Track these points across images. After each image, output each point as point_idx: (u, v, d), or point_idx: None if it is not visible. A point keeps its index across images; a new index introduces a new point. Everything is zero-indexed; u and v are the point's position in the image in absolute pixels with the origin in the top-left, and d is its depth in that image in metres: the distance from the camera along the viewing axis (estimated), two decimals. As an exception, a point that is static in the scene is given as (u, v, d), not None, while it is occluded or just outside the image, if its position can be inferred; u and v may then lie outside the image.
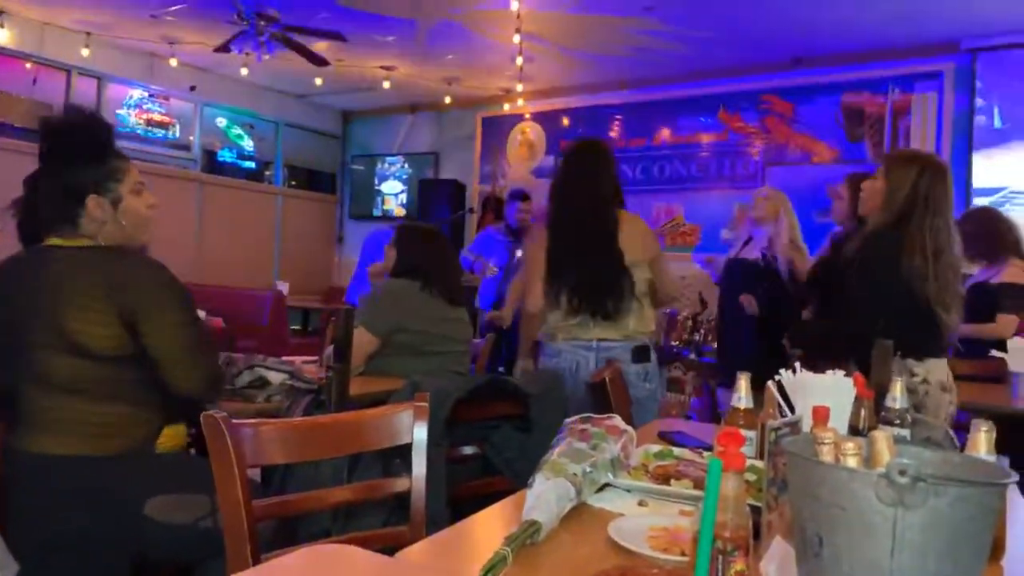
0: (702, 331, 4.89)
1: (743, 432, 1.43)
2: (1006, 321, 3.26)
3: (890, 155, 2.45)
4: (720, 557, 0.78)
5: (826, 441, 0.84)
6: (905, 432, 1.48)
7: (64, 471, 1.56)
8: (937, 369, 2.26)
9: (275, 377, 2.15)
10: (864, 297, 2.23)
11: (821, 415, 1.12)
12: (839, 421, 1.38)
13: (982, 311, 3.19)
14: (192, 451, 1.82)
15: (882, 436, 0.84)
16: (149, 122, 7.12)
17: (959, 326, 3.29)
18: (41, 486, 1.57)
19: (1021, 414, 2.56)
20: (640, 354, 2.45)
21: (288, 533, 1.54)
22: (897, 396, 1.47)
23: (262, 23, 4.92)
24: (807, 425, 1.18)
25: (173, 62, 6.57)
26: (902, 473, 0.68)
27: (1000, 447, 2.93)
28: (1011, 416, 2.70)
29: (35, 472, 1.57)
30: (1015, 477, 0.76)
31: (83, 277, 1.59)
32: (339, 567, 0.86)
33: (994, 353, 3.12)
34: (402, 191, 8.29)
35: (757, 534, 0.98)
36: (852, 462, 0.79)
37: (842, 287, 2.31)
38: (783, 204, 3.56)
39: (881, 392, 1.54)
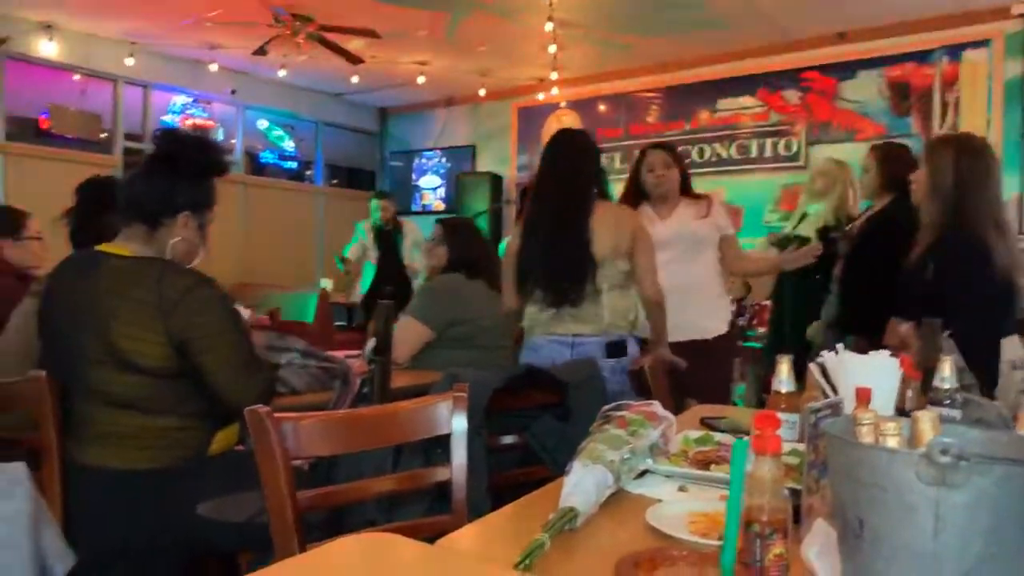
0: (747, 315, 4.82)
1: (785, 416, 1.42)
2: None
3: (928, 142, 2.41)
4: (758, 540, 0.77)
5: (866, 422, 0.82)
6: (955, 413, 1.44)
7: (116, 483, 1.59)
8: (1008, 347, 2.20)
9: (282, 357, 2.11)
10: (958, 292, 2.17)
11: (863, 396, 1.10)
12: (885, 403, 1.35)
13: None
14: (242, 447, 1.86)
15: (925, 416, 0.82)
16: (194, 127, 7.29)
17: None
18: (92, 498, 1.59)
19: (1083, 391, 2.46)
20: (615, 349, 2.38)
21: (335, 523, 1.58)
22: (946, 376, 1.43)
23: (297, 24, 4.99)
24: (849, 407, 1.16)
25: (214, 67, 6.70)
26: (944, 452, 0.67)
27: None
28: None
29: (86, 484, 1.59)
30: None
31: (132, 293, 1.59)
32: (381, 555, 0.88)
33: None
34: (440, 185, 8.34)
35: (799, 517, 0.97)
36: (892, 442, 0.77)
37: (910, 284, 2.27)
38: (840, 178, 3.43)
39: (930, 372, 1.50)
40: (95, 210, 2.09)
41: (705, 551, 0.61)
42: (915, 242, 2.29)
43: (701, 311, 2.81)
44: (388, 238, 5.99)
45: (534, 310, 2.43)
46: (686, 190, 2.99)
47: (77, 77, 6.40)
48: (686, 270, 2.77)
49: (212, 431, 1.71)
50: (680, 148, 6.47)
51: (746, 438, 1.41)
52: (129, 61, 6.32)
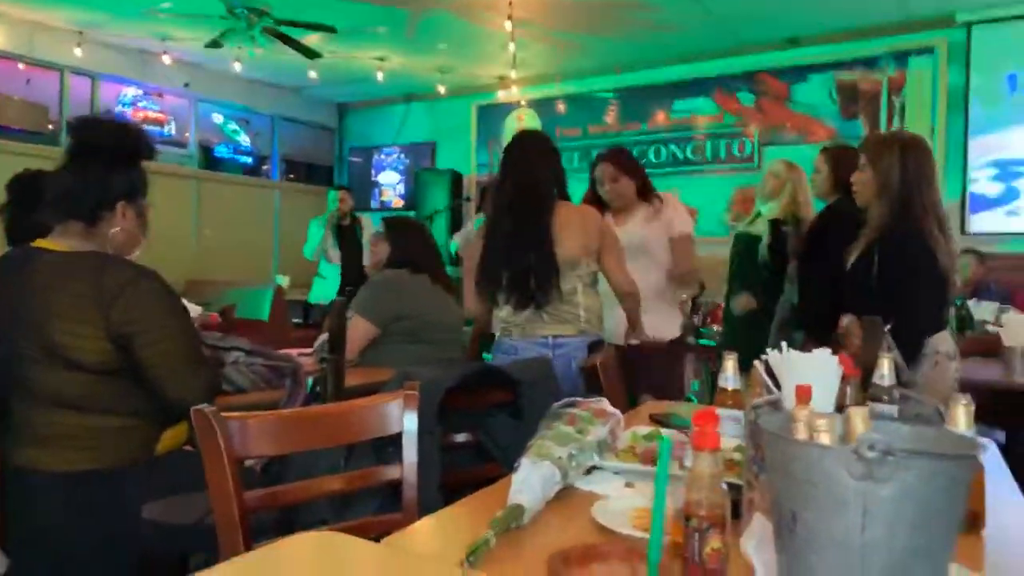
0: (701, 314, 4.90)
1: (731, 412, 1.45)
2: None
3: (868, 143, 2.46)
4: (697, 535, 0.79)
5: (801, 419, 0.85)
6: (893, 409, 1.48)
7: (58, 486, 1.54)
8: (945, 339, 2.29)
9: (228, 356, 2.07)
10: (904, 288, 2.25)
11: (803, 394, 1.12)
12: (826, 400, 1.39)
13: None
14: (191, 448, 1.82)
15: (857, 412, 0.85)
16: (144, 120, 7.10)
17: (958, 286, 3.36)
18: (35, 502, 1.54)
19: (1017, 388, 2.57)
20: (595, 349, 2.40)
21: (287, 523, 1.56)
22: (885, 374, 1.48)
23: (252, 17, 4.91)
24: (791, 404, 1.19)
25: (166, 59, 6.55)
26: (871, 448, 0.69)
27: (997, 421, 2.96)
28: (1007, 391, 2.71)
29: (24, 488, 1.54)
30: (985, 450, 0.77)
31: (70, 287, 1.54)
32: (326, 554, 0.87)
33: (989, 328, 3.13)
34: (400, 181, 8.29)
35: (740, 512, 0.99)
36: (824, 439, 0.80)
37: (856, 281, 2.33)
38: (789, 178, 3.51)
39: (870, 370, 1.55)
40: (27, 207, 2.02)
41: (632, 545, 0.62)
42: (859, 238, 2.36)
43: (653, 317, 2.84)
44: (349, 234, 5.72)
45: (506, 312, 2.42)
46: (646, 193, 3.01)
47: (22, 66, 6.19)
48: (639, 276, 2.81)
49: (158, 430, 1.67)
50: (637, 148, 6.64)
51: (673, 436, 1.45)
52: (77, 51, 6.14)
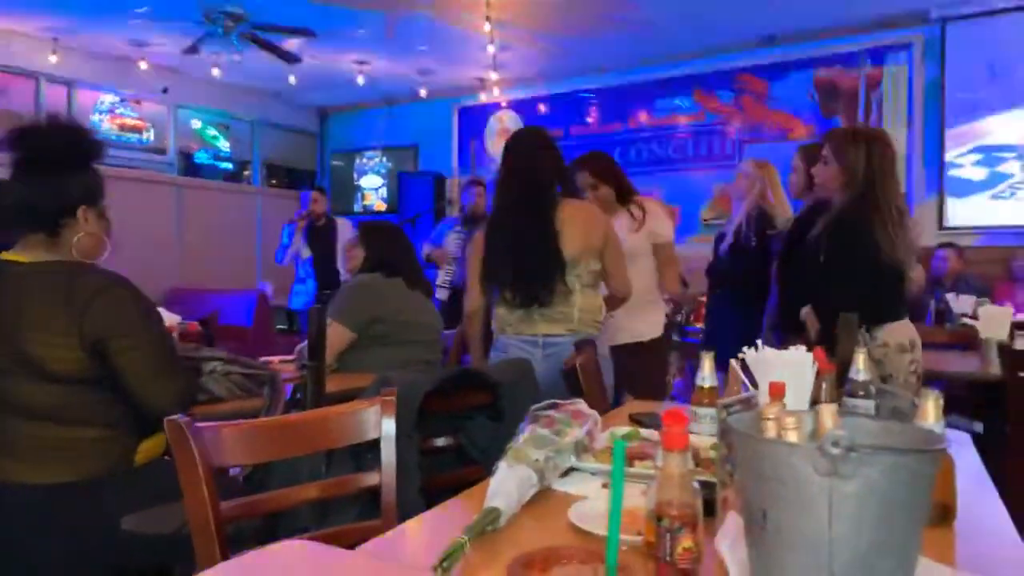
0: (684, 311, 4.91)
1: (708, 411, 1.46)
2: (920, 273, 3.52)
3: (833, 137, 2.46)
4: (668, 535, 0.79)
5: (770, 417, 0.86)
6: (870, 404, 1.50)
7: (35, 499, 1.52)
8: (896, 331, 2.31)
9: (206, 365, 2.04)
10: (842, 274, 2.30)
11: (776, 391, 1.14)
12: (801, 396, 1.40)
13: None
14: (168, 457, 1.80)
15: (827, 409, 0.86)
16: (122, 127, 7.05)
17: (923, 279, 3.43)
18: (11, 515, 1.52)
19: (993, 380, 2.60)
20: (580, 348, 2.35)
21: (269, 531, 1.55)
22: (860, 368, 1.49)
23: (230, 22, 4.88)
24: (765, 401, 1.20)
25: (143, 65, 6.50)
26: (835, 444, 0.70)
27: (975, 413, 2.99)
28: (983, 383, 2.74)
29: (3, 501, 1.52)
30: (951, 444, 0.78)
31: (42, 298, 1.52)
32: (297, 563, 0.87)
33: (966, 321, 3.17)
34: (382, 185, 8.27)
35: (714, 511, 1.00)
36: (792, 436, 0.80)
37: (809, 268, 2.36)
38: (760, 178, 3.53)
39: (847, 365, 1.56)
40: None
41: (592, 548, 0.62)
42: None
43: (636, 317, 2.87)
44: (323, 237, 5.38)
45: (503, 311, 2.42)
46: (624, 197, 3.01)
47: (-4, 75, 6.13)
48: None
49: (136, 441, 1.65)
50: (618, 148, 6.67)
51: (651, 436, 1.45)
52: (52, 58, 6.08)
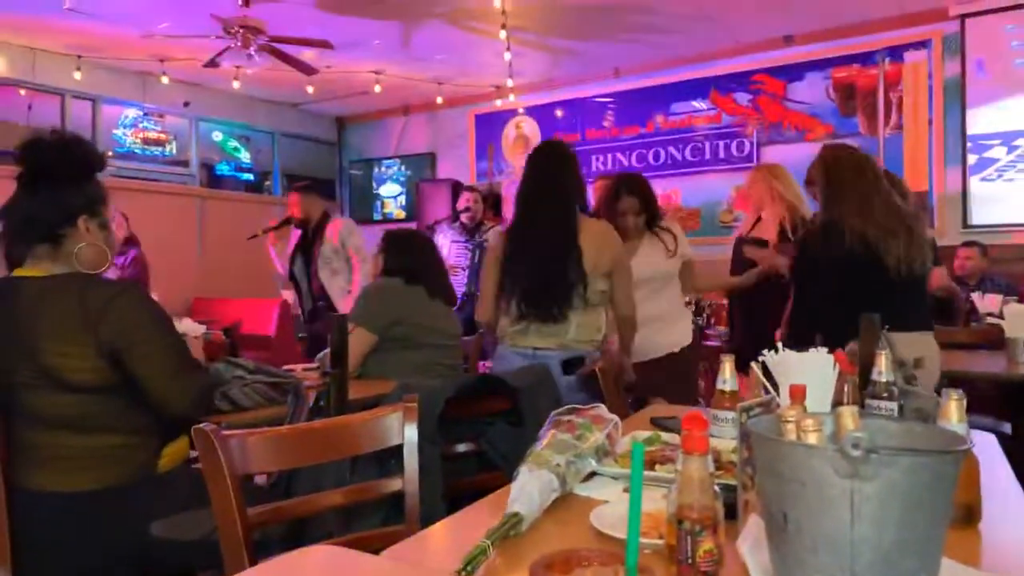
0: (705, 315, 4.89)
1: (729, 414, 1.46)
2: (940, 273, 3.63)
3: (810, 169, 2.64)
4: (689, 537, 0.80)
5: (790, 419, 0.86)
6: (893, 405, 1.49)
7: (63, 507, 1.55)
8: (908, 344, 2.26)
9: (233, 373, 2.07)
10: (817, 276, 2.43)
11: (797, 393, 1.13)
12: (822, 398, 1.39)
13: None
14: (196, 465, 1.83)
15: (847, 411, 0.86)
16: (146, 140, 7.17)
17: (945, 279, 3.46)
18: (40, 524, 1.55)
19: (1020, 380, 2.56)
20: (571, 365, 2.38)
21: (295, 537, 1.57)
22: (882, 370, 1.48)
23: (248, 36, 4.94)
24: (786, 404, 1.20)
25: (165, 79, 6.61)
26: (855, 446, 0.70)
27: (1003, 413, 2.95)
28: (1009, 381, 2.70)
29: (33, 510, 1.55)
30: (974, 444, 0.78)
31: (56, 310, 1.56)
32: (323, 567, 0.89)
33: (991, 320, 3.12)
34: (400, 193, 8.32)
35: (736, 513, 1.00)
36: (812, 438, 0.80)
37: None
38: (772, 183, 3.50)
39: (869, 367, 1.55)
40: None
41: (612, 551, 0.63)
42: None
43: (669, 333, 2.95)
44: (313, 252, 4.41)
45: (506, 322, 2.45)
46: (652, 222, 3.02)
47: (23, 92, 6.25)
48: (655, 304, 2.88)
49: (158, 446, 1.69)
50: (635, 151, 6.66)
51: (673, 440, 1.45)
52: (76, 75, 6.20)
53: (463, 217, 5.08)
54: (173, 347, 1.68)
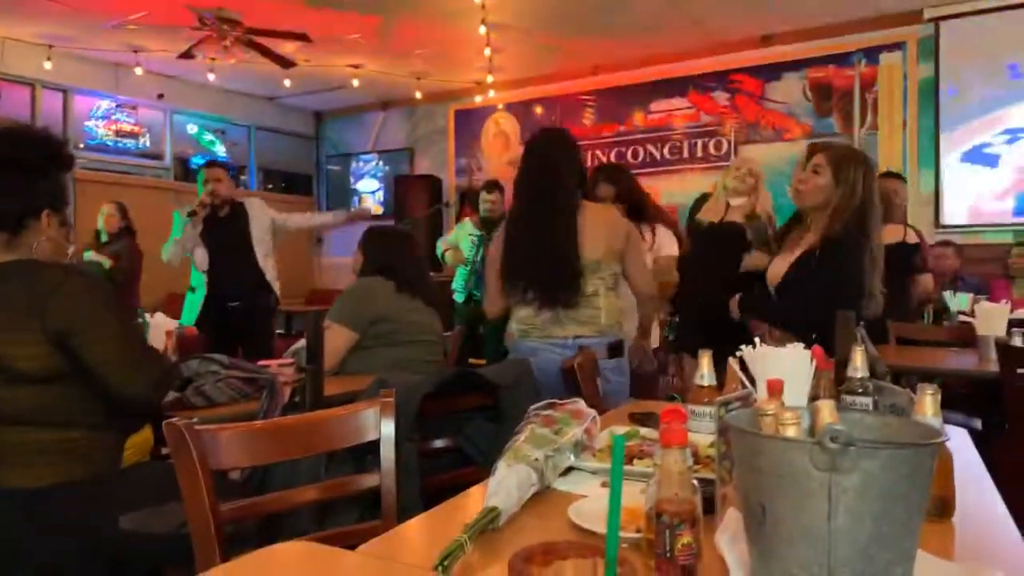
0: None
1: (708, 409, 1.46)
2: (926, 279, 3.65)
3: (834, 153, 2.42)
4: (667, 531, 0.80)
5: (768, 413, 0.86)
6: (867, 400, 1.50)
7: (25, 503, 1.52)
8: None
9: (199, 367, 2.05)
10: (829, 296, 2.25)
11: (774, 388, 1.14)
12: (799, 393, 1.40)
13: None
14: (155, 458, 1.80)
15: (825, 405, 0.86)
16: (118, 132, 7.05)
17: (931, 286, 3.46)
18: (6, 520, 1.51)
19: (991, 377, 2.61)
20: (615, 349, 2.42)
21: (270, 533, 1.55)
22: (858, 366, 1.49)
23: (225, 27, 4.88)
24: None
25: (139, 71, 6.50)
26: (833, 439, 0.70)
27: (973, 409, 2.98)
28: (980, 378, 2.75)
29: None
30: (943, 437, 0.78)
31: (2, 297, 1.52)
32: (298, 563, 0.87)
33: (963, 318, 3.17)
34: (378, 188, 8.27)
35: (713, 507, 1.00)
36: (791, 432, 0.81)
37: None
38: (761, 178, 3.51)
39: (845, 363, 1.56)
40: None
41: (592, 544, 0.63)
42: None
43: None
44: (229, 229, 4.07)
45: (528, 313, 2.40)
46: (639, 216, 3.00)
47: (-8, 82, 6.13)
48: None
49: (120, 439, 1.66)
50: (615, 149, 6.68)
51: (650, 434, 1.45)
52: (47, 64, 6.07)
53: (485, 212, 4.89)
54: (124, 333, 1.63)
